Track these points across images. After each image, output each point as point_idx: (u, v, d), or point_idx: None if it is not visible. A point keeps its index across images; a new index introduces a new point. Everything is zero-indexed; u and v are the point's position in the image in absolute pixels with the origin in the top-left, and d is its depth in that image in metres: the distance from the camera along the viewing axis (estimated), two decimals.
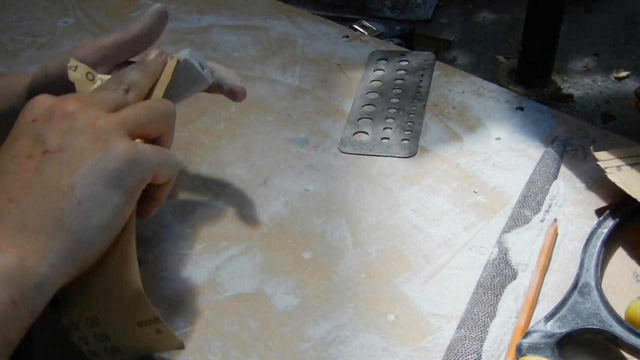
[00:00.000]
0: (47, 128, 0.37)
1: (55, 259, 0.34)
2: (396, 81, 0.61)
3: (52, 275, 0.34)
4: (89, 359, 0.38)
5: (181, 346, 0.39)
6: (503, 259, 0.43)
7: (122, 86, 0.42)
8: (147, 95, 0.44)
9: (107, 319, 0.37)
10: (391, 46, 0.67)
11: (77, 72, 0.44)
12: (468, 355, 0.38)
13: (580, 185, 0.49)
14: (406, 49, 0.66)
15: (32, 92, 0.50)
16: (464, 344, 0.39)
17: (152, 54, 0.45)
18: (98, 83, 0.45)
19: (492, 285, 0.42)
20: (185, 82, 0.45)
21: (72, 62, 0.44)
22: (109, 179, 0.36)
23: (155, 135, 0.41)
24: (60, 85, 0.49)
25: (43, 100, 0.39)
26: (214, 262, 0.46)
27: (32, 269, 0.33)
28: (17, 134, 0.38)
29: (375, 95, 0.60)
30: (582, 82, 1.21)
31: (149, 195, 0.41)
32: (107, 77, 0.46)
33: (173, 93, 0.45)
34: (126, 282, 0.37)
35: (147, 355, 0.39)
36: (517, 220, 0.46)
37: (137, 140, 0.40)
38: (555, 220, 0.46)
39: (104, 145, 0.37)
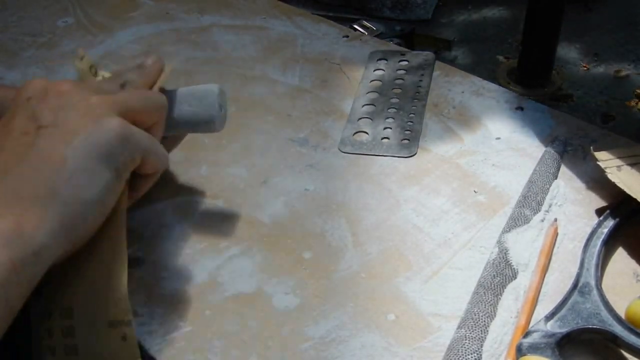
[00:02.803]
0: (41, 105, 0.38)
1: (50, 229, 0.34)
2: (396, 81, 0.61)
3: (48, 244, 0.34)
4: (41, 357, 0.37)
5: None
6: (503, 258, 0.43)
7: (118, 81, 0.43)
8: None
9: (81, 310, 0.37)
10: (391, 46, 0.67)
11: (83, 62, 0.45)
12: (468, 355, 0.38)
13: (580, 185, 0.49)
14: (406, 49, 0.66)
15: None
16: (464, 344, 0.39)
17: (150, 59, 0.46)
18: (99, 79, 0.45)
19: (493, 285, 0.42)
20: (200, 108, 0.45)
21: (80, 52, 0.45)
22: (100, 153, 0.37)
23: (145, 124, 0.42)
24: None
25: (37, 82, 0.40)
26: (214, 262, 0.46)
27: (29, 235, 0.33)
28: (13, 112, 0.39)
29: (375, 95, 0.60)
30: (582, 82, 1.21)
31: (130, 185, 0.41)
32: (108, 74, 0.46)
33: (181, 115, 0.45)
34: (112, 276, 0.37)
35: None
36: (517, 220, 0.46)
37: None
38: (556, 220, 0.46)
39: (96, 120, 0.38)
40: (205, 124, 0.45)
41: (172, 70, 0.47)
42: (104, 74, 0.46)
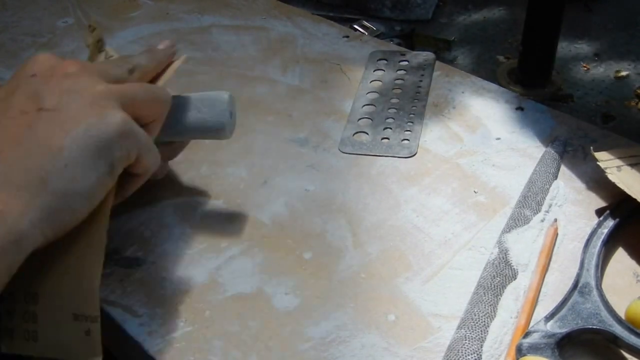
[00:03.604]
0: (45, 85, 0.37)
1: (35, 218, 0.33)
2: (396, 81, 0.61)
3: (30, 233, 0.33)
4: (2, 335, 0.37)
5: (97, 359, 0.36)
6: (503, 259, 0.43)
7: (127, 65, 0.42)
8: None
9: (47, 299, 0.36)
10: (391, 46, 0.67)
11: (93, 36, 0.44)
12: (468, 355, 0.38)
13: (580, 185, 0.49)
14: (406, 49, 0.66)
15: None
16: (464, 344, 0.39)
17: (163, 43, 0.45)
18: (102, 57, 0.45)
19: (492, 285, 0.42)
20: (210, 115, 0.45)
21: (94, 23, 0.44)
22: (98, 147, 0.36)
23: (146, 119, 0.41)
24: None
25: (45, 58, 0.39)
26: (214, 262, 0.46)
27: (11, 223, 0.32)
28: (13, 86, 0.38)
29: (375, 95, 0.60)
30: (582, 82, 1.21)
31: (119, 184, 0.41)
32: (114, 52, 0.45)
33: (192, 121, 0.45)
34: (85, 270, 0.36)
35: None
36: (517, 220, 0.46)
37: None
38: (556, 220, 0.46)
39: (100, 112, 0.37)
40: (215, 131, 0.45)
41: (186, 61, 0.46)
42: (109, 50, 0.45)
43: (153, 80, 0.45)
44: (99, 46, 0.45)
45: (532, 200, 0.47)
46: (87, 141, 0.36)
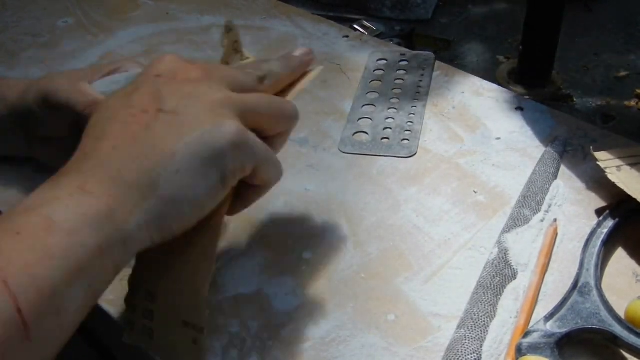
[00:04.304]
0: (167, 87, 0.37)
1: (143, 220, 0.33)
2: (396, 81, 0.61)
3: (137, 234, 0.33)
4: (123, 326, 0.38)
5: None
6: (503, 259, 0.43)
7: (258, 73, 0.41)
8: (280, 94, 0.42)
9: (163, 301, 0.37)
10: (391, 46, 0.67)
11: (229, 36, 0.44)
12: (468, 355, 0.38)
13: (580, 185, 0.49)
14: (406, 49, 0.66)
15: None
16: (464, 344, 0.39)
17: (300, 51, 0.44)
18: (237, 58, 0.44)
19: (492, 285, 0.42)
20: None
21: (230, 23, 0.43)
22: (210, 155, 0.35)
23: (268, 133, 0.40)
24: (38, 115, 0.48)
25: (170, 60, 0.39)
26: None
27: (120, 222, 0.32)
28: (137, 84, 0.38)
29: (375, 95, 0.60)
30: (582, 82, 1.21)
31: (238, 194, 0.40)
32: (250, 54, 0.44)
33: None
34: (196, 280, 0.37)
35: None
36: (517, 220, 0.46)
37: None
38: (555, 220, 0.46)
39: (215, 120, 0.36)
40: None
41: (321, 72, 0.45)
42: (246, 52, 0.44)
43: (285, 89, 0.43)
44: (235, 47, 0.44)
45: (531, 200, 0.47)
46: (200, 149, 0.35)
